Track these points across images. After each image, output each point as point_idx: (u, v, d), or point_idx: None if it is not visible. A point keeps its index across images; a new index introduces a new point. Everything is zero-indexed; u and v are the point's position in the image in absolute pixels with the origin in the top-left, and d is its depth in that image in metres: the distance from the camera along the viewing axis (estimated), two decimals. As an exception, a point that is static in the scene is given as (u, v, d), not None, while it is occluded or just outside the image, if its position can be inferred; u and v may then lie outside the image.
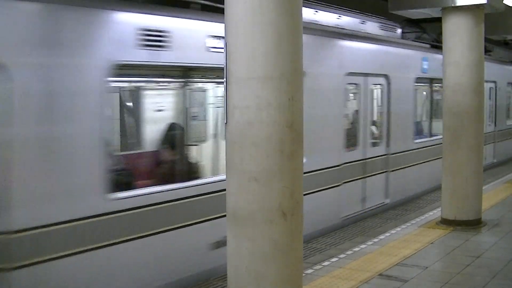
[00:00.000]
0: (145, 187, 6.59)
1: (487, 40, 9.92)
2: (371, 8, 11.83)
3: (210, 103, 8.38)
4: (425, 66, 12.61)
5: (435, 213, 9.61)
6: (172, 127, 7.26)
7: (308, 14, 9.22)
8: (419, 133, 13.04)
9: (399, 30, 12.58)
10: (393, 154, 11.46)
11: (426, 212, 10.11)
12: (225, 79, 4.63)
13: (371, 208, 10.80)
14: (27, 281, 5.27)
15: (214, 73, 7.65)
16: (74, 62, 5.69)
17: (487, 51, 13.39)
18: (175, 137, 7.19)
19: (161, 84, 7.62)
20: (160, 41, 6.47)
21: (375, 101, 11.30)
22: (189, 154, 7.32)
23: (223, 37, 4.75)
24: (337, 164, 9.71)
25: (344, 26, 10.45)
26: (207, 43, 7.05)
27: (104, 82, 5.94)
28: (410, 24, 13.15)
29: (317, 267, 6.87)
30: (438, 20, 9.28)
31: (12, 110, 5.16)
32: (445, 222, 8.88)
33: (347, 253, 7.46)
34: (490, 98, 17.18)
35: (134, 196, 6.25)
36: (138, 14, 6.39)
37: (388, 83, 11.27)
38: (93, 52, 5.87)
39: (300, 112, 4.67)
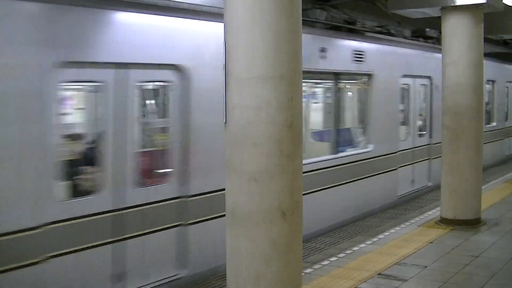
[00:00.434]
0: None
1: (486, 40, 9.91)
2: (370, 7, 11.83)
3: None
4: None
5: (435, 213, 9.61)
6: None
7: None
8: None
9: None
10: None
11: (426, 211, 10.11)
12: (224, 78, 4.63)
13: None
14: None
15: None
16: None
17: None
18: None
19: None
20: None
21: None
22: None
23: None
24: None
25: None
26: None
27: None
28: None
29: (317, 266, 6.87)
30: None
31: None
32: (444, 221, 8.89)
33: (346, 252, 7.46)
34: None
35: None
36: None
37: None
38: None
39: (300, 112, 4.68)
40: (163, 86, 7.04)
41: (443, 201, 9.04)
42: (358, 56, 10.38)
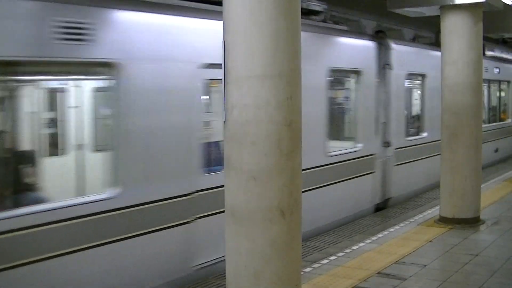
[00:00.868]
0: None
1: (485, 38, 9.90)
2: (369, 7, 11.83)
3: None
4: None
5: (434, 211, 9.61)
6: None
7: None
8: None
9: None
10: None
11: (425, 210, 10.11)
12: (223, 77, 4.63)
13: None
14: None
15: None
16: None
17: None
18: None
19: None
20: None
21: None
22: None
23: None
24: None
25: None
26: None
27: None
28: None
29: (316, 265, 6.87)
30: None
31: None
32: (443, 220, 8.89)
33: (345, 251, 7.46)
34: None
35: None
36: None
37: None
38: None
39: (299, 111, 4.67)
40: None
41: (442, 200, 9.04)
42: None
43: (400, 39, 13.12)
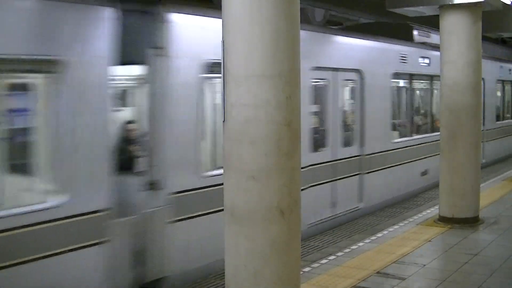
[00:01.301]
0: None
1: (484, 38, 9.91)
2: (368, 7, 11.83)
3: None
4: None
5: (433, 211, 9.61)
6: None
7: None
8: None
9: None
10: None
11: (424, 210, 10.12)
12: (222, 77, 4.63)
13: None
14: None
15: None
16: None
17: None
18: None
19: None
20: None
21: None
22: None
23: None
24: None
25: None
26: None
27: None
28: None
29: (315, 265, 6.87)
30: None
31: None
32: (443, 220, 8.89)
33: (345, 251, 7.46)
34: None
35: None
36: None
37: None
38: None
39: (298, 111, 4.67)
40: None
41: (441, 200, 9.04)
42: None
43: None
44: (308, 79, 8.91)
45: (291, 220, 4.61)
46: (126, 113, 7.45)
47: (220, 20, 4.66)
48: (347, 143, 10.34)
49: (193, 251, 6.98)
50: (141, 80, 6.77)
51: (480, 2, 8.57)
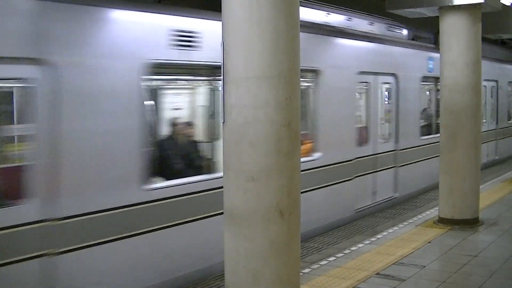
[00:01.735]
0: None
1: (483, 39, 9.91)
2: (368, 7, 11.83)
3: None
4: None
5: (433, 212, 9.61)
6: None
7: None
8: None
9: None
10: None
11: (424, 211, 10.11)
12: (222, 78, 4.62)
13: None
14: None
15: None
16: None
17: None
18: None
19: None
20: None
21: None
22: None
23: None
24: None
25: None
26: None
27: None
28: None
29: (315, 266, 6.87)
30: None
31: None
32: (442, 221, 8.89)
33: (344, 252, 7.46)
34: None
35: None
36: None
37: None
38: None
39: (297, 111, 4.67)
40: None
41: (441, 201, 9.03)
42: None
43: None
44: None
45: (290, 220, 4.60)
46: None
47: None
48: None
49: None
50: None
51: (480, 3, 8.58)
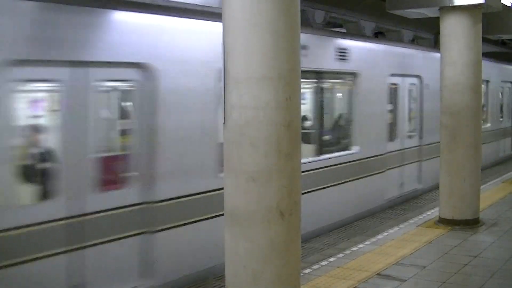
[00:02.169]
0: None
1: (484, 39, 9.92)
2: (368, 8, 11.84)
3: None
4: None
5: (433, 213, 9.61)
6: None
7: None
8: None
9: None
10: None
11: (424, 211, 10.11)
12: (223, 78, 4.63)
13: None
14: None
15: None
16: None
17: None
18: None
19: None
20: None
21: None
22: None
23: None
24: None
25: None
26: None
27: None
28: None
29: (315, 266, 6.87)
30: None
31: None
32: (443, 221, 8.89)
33: (345, 252, 7.46)
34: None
35: None
36: None
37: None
38: None
39: (298, 112, 4.67)
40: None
41: (441, 201, 9.03)
42: None
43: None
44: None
45: (291, 221, 4.61)
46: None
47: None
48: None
49: None
50: None
51: (480, 3, 8.58)
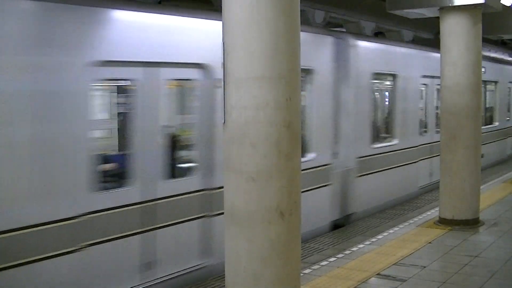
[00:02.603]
0: None
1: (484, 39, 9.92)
2: (368, 8, 11.84)
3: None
4: None
5: (433, 213, 9.61)
6: None
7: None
8: None
9: None
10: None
11: (424, 211, 10.11)
12: (223, 79, 4.63)
13: None
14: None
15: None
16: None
17: None
18: None
19: None
20: None
21: None
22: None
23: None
24: None
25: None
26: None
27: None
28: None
29: (315, 267, 6.87)
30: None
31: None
32: (443, 221, 8.89)
33: (345, 253, 7.46)
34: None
35: None
36: None
37: None
38: None
39: (298, 112, 4.67)
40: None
41: (441, 201, 9.03)
42: None
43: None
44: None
45: (291, 221, 4.60)
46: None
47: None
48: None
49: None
50: None
51: (480, 4, 8.58)
